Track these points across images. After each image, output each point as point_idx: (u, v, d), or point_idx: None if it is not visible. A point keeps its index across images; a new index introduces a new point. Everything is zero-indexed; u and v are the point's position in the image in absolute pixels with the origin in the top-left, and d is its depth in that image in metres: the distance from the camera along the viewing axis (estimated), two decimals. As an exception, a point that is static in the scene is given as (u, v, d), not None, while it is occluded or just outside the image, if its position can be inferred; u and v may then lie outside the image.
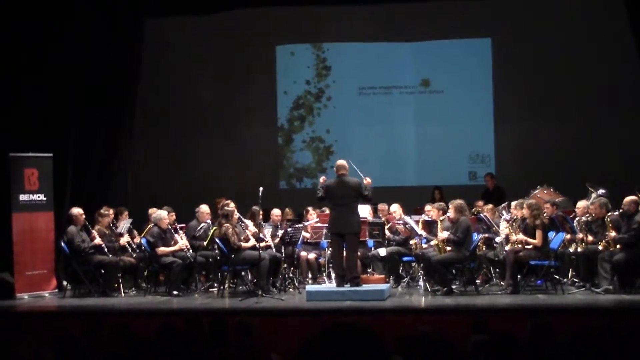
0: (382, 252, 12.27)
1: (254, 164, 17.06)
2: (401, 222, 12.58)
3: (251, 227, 12.04)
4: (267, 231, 12.36)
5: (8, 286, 11.99)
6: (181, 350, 4.83)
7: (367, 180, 11.08)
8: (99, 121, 13.58)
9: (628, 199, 11.11)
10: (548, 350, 4.11)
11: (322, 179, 11.48)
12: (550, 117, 16.42)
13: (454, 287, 11.49)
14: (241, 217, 12.09)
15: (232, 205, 12.17)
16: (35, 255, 12.36)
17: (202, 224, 12.59)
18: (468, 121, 16.99)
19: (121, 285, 11.90)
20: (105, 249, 11.97)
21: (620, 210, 11.19)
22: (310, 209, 13.20)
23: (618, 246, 10.90)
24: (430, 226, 12.11)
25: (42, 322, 9.69)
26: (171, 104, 17.14)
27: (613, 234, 10.93)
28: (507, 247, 11.56)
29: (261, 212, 12.09)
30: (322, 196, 11.14)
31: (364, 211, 11.96)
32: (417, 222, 12.30)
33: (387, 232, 12.51)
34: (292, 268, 12.38)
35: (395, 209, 12.86)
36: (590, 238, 11.29)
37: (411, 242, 12.36)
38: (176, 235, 12.23)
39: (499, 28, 16.69)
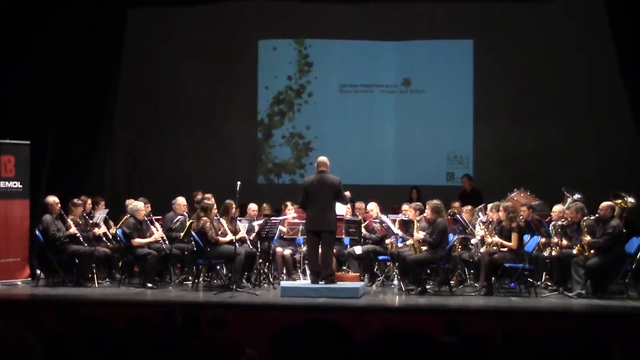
0: (358, 250, 12.29)
1: (232, 158, 17.02)
2: (378, 220, 12.60)
3: (224, 224, 11.96)
4: (243, 226, 12.33)
5: (-19, 273, 11.92)
6: (153, 342, 4.82)
7: (346, 194, 11.16)
8: (79, 111, 13.53)
9: (604, 204, 11.19)
10: (520, 352, 4.13)
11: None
12: (529, 120, 16.50)
13: (428, 287, 11.54)
14: (217, 213, 12.03)
15: (212, 199, 12.17)
16: (9, 243, 12.29)
17: (179, 216, 12.57)
18: (448, 122, 17.02)
19: (95, 276, 11.85)
20: (81, 239, 11.92)
21: (596, 215, 11.26)
22: (289, 203, 13.16)
23: (592, 251, 10.97)
24: (406, 226, 12.14)
25: (15, 311, 9.63)
26: (152, 96, 17.06)
27: (588, 238, 11.00)
28: (482, 249, 11.62)
29: (235, 206, 12.03)
30: (303, 204, 11.16)
31: (341, 209, 11.97)
32: (393, 221, 12.33)
33: (363, 230, 12.52)
34: (267, 263, 12.37)
35: (373, 207, 12.89)
36: (565, 242, 11.37)
37: (387, 241, 12.39)
38: (152, 226, 12.20)
39: (480, 30, 16.74)
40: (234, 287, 11.00)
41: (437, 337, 5.04)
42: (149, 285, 11.62)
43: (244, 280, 11.75)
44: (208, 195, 12.51)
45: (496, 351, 4.31)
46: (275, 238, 12.40)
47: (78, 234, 11.91)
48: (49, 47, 13.07)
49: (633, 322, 9.36)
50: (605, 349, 3.39)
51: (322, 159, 11.16)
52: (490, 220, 11.91)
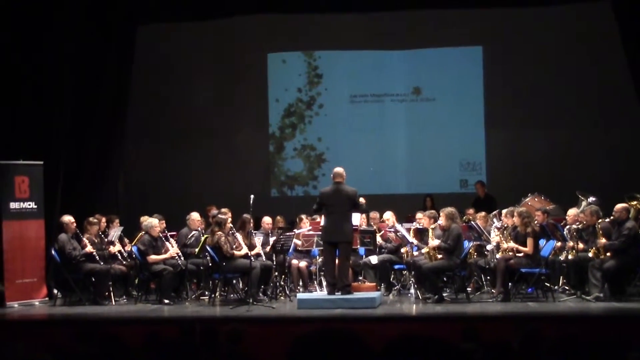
0: (374, 260, 12.27)
1: (245, 171, 17.04)
2: (392, 229, 12.59)
3: (238, 238, 11.96)
4: (258, 239, 12.34)
5: (-2, 294, 11.96)
6: (171, 359, 4.82)
7: (362, 201, 11.15)
8: (91, 129, 13.56)
9: (619, 206, 11.15)
10: (538, 357, 4.12)
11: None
12: (541, 125, 16.46)
13: (445, 294, 11.50)
14: (232, 226, 12.03)
15: (229, 214, 12.19)
16: (25, 264, 12.30)
17: (193, 232, 12.58)
18: (459, 129, 17.00)
19: (112, 294, 11.86)
20: (97, 257, 11.94)
21: (611, 218, 11.21)
22: (303, 216, 13.18)
23: (608, 254, 10.93)
24: (421, 234, 12.11)
25: (33, 331, 9.66)
26: (163, 112, 17.12)
27: (603, 241, 10.95)
28: (498, 255, 11.58)
29: (252, 220, 12.06)
30: (317, 209, 11.17)
31: (356, 219, 11.96)
32: (408, 230, 12.30)
33: (379, 239, 12.50)
34: (283, 276, 12.36)
35: (389, 216, 12.87)
36: (581, 246, 11.32)
37: (402, 249, 12.37)
38: (167, 243, 12.21)
39: (490, 36, 16.73)
40: (251, 300, 10.99)
41: (455, 344, 5.03)
42: (166, 301, 11.62)
43: (260, 294, 11.75)
44: (225, 210, 12.49)
45: (515, 357, 4.30)
46: (290, 250, 12.39)
47: (94, 253, 11.93)
48: (59, 66, 13.11)
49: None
50: (620, 352, 3.38)
51: (339, 170, 11.16)
52: (505, 225, 11.87)
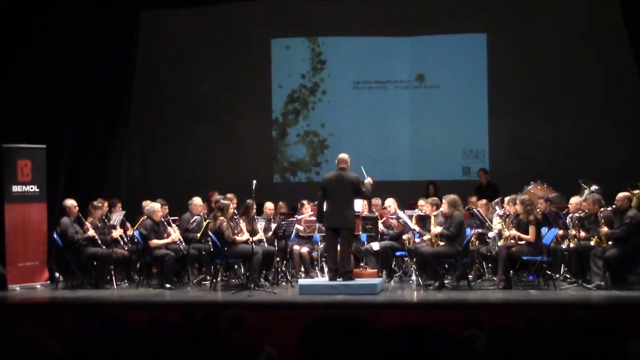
0: (375, 246, 12.28)
1: (248, 157, 17.04)
2: (394, 216, 12.58)
3: (241, 223, 11.97)
4: (260, 225, 12.35)
5: (0, 277, 11.97)
6: (173, 343, 4.83)
7: (368, 180, 11.12)
8: (94, 113, 13.55)
9: (621, 194, 11.15)
10: (538, 343, 4.12)
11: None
12: (544, 113, 16.43)
13: (446, 282, 11.51)
14: (236, 212, 12.05)
15: (234, 199, 12.20)
16: (27, 247, 12.34)
17: (195, 217, 12.59)
18: (463, 116, 16.98)
19: (113, 278, 11.89)
20: (99, 241, 11.96)
21: (613, 206, 11.21)
22: (305, 202, 13.17)
23: (610, 242, 10.93)
24: (423, 221, 12.10)
25: (35, 314, 9.68)
26: (166, 97, 17.11)
27: (605, 229, 10.95)
28: (500, 243, 11.58)
29: (254, 206, 12.08)
30: (320, 203, 11.16)
31: (358, 205, 11.95)
32: (410, 216, 12.29)
33: (381, 226, 12.50)
34: (284, 262, 12.38)
35: (390, 203, 12.86)
36: (582, 234, 11.33)
37: (404, 236, 12.37)
38: (169, 227, 12.23)
39: (494, 23, 16.69)
40: (252, 286, 11.01)
41: (457, 331, 5.04)
42: (167, 286, 11.65)
43: (262, 279, 11.77)
44: (230, 196, 12.48)
45: (516, 344, 4.30)
46: (292, 236, 12.40)
47: (96, 237, 11.95)
48: (63, 50, 13.10)
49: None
50: (620, 338, 3.39)
51: (343, 155, 11.14)
52: (508, 213, 11.87)
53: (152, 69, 16.26)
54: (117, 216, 12.59)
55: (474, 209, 12.55)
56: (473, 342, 4.62)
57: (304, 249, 12.64)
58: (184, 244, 12.18)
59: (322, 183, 11.13)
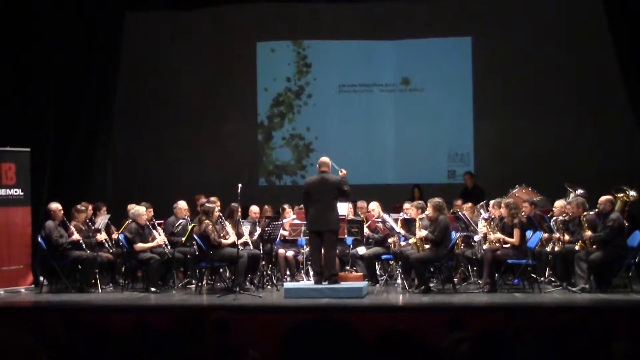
0: (361, 250, 12.27)
1: (233, 160, 17.01)
2: (380, 220, 12.58)
3: (228, 228, 11.95)
4: (246, 228, 12.33)
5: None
6: (158, 347, 4.81)
7: (342, 172, 11.09)
8: (78, 116, 13.52)
9: (603, 198, 11.21)
10: (524, 346, 4.14)
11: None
12: (529, 116, 16.48)
13: (431, 285, 11.52)
14: (221, 215, 12.03)
15: (217, 203, 12.17)
16: (11, 250, 12.29)
17: (180, 220, 12.56)
18: (448, 120, 17.01)
19: (98, 282, 11.85)
20: (83, 245, 11.91)
21: (596, 210, 11.26)
22: (286, 206, 13.14)
23: (594, 246, 10.98)
24: (409, 224, 12.10)
25: (18, 318, 9.63)
26: (151, 100, 17.06)
27: (589, 233, 11.00)
28: (485, 246, 11.60)
29: (239, 209, 12.06)
30: (305, 206, 11.16)
31: (343, 208, 11.96)
32: (395, 220, 12.30)
33: (366, 230, 12.50)
34: (270, 265, 12.36)
35: (374, 206, 12.84)
36: (567, 237, 11.37)
37: (389, 240, 12.37)
38: (154, 231, 12.20)
39: (479, 27, 16.73)
40: (238, 289, 10.99)
41: (441, 334, 5.04)
42: (153, 289, 11.63)
43: (247, 283, 11.76)
44: (214, 199, 12.46)
45: (501, 347, 4.31)
46: (277, 240, 12.38)
47: (81, 240, 11.91)
48: (47, 53, 13.06)
49: (637, 315, 9.34)
50: (605, 340, 3.41)
51: (324, 159, 11.15)
52: (493, 217, 11.90)
53: (138, 72, 16.22)
54: (102, 220, 12.54)
55: (459, 213, 12.57)
56: (458, 345, 4.62)
57: (290, 253, 12.63)
58: (169, 247, 12.15)
59: (305, 187, 11.13)
